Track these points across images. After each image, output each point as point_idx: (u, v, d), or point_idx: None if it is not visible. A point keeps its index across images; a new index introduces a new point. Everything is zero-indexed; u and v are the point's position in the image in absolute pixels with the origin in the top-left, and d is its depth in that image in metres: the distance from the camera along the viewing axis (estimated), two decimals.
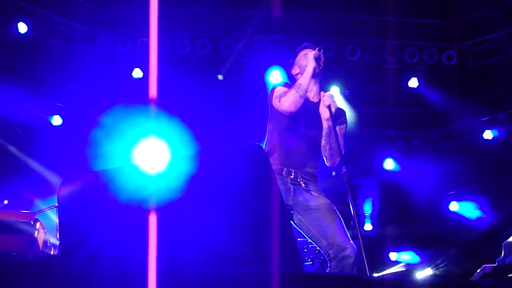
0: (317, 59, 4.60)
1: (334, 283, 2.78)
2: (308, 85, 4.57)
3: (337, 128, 4.54)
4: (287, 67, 9.76)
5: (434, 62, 10.00)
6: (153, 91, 8.29)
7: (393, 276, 11.43)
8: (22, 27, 9.22)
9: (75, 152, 9.44)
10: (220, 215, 3.00)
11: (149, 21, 7.95)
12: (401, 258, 12.28)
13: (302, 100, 4.52)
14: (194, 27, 9.88)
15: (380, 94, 10.60)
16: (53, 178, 9.74)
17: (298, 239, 7.26)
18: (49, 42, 9.64)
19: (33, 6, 9.34)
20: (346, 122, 4.75)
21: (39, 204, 9.05)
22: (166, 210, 3.02)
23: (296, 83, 4.60)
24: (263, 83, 9.78)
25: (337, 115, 4.61)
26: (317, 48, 4.63)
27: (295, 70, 4.88)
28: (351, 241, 4.31)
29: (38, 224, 6.95)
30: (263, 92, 8.79)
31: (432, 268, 12.19)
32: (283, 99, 4.57)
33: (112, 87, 9.86)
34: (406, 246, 12.14)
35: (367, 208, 11.91)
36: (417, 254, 12.19)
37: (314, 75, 4.64)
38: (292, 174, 4.54)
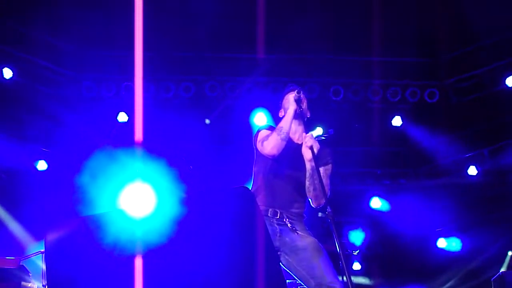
0: (297, 101, 4.65)
1: None
2: (290, 128, 4.60)
3: (322, 169, 4.56)
4: (272, 109, 9.86)
5: (416, 100, 10.09)
6: (138, 134, 8.32)
7: None
8: (7, 73, 9.23)
9: (61, 197, 9.37)
10: (208, 258, 2.99)
11: (134, 65, 8.03)
12: None
13: (284, 143, 4.55)
14: (178, 70, 9.95)
15: (365, 133, 10.67)
16: (39, 224, 9.63)
17: (287, 280, 7.21)
18: (34, 87, 9.64)
19: (18, 51, 9.37)
20: (332, 163, 4.77)
21: (25, 250, 8.95)
22: (152, 254, 3.01)
23: (278, 126, 4.63)
24: (248, 125, 9.82)
25: (322, 156, 4.64)
26: (296, 90, 4.68)
27: (281, 113, 4.92)
28: (339, 280, 4.30)
29: (23, 271, 6.87)
30: (248, 134, 8.83)
31: None
32: (265, 143, 4.60)
33: (98, 132, 9.85)
34: (395, 283, 12.09)
35: (356, 240, 11.87)
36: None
37: (297, 117, 4.68)
38: (278, 214, 4.54)
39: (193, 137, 10.15)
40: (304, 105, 4.79)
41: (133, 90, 9.67)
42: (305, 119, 4.87)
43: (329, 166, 4.73)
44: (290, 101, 4.68)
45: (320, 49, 9.79)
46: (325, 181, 4.55)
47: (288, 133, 4.58)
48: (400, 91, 10.07)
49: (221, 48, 9.78)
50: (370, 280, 12.02)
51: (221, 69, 9.93)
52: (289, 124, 4.59)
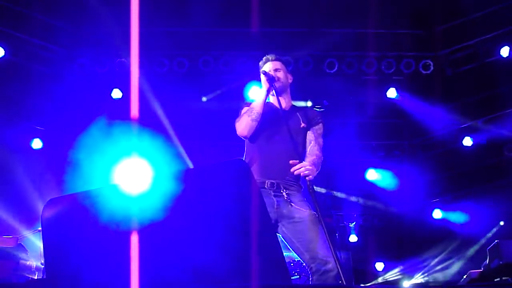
0: (269, 80, 4.69)
1: None
2: (261, 108, 4.64)
3: (313, 129, 4.69)
4: None
5: (411, 71, 10.08)
6: (134, 110, 8.29)
7: (380, 286, 11.45)
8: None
9: (57, 175, 9.37)
10: (204, 234, 2.99)
11: (127, 41, 7.97)
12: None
13: (255, 124, 4.60)
14: (172, 46, 9.90)
15: (360, 105, 10.66)
16: (35, 203, 9.63)
17: (285, 253, 7.24)
18: (27, 65, 9.59)
19: (9, 29, 9.30)
20: (323, 122, 4.79)
21: (22, 229, 8.95)
22: (148, 231, 3.00)
23: (250, 107, 4.69)
24: (242, 99, 9.80)
25: (312, 117, 4.69)
26: (262, 72, 4.75)
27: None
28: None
29: (21, 249, 6.89)
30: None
31: (418, 276, 12.22)
32: (237, 124, 4.69)
33: (92, 108, 9.82)
34: (391, 255, 12.17)
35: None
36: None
37: (278, 90, 4.75)
38: (275, 185, 4.53)
39: (187, 112, 10.14)
40: (281, 75, 4.85)
41: (126, 66, 9.64)
42: (288, 85, 4.90)
43: (320, 126, 4.76)
44: (262, 81, 4.73)
45: (313, 22, 9.74)
46: (318, 139, 4.65)
47: (259, 114, 4.62)
48: (394, 63, 10.05)
49: (214, 22, 9.72)
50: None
51: (214, 44, 9.89)
52: (260, 106, 4.64)
